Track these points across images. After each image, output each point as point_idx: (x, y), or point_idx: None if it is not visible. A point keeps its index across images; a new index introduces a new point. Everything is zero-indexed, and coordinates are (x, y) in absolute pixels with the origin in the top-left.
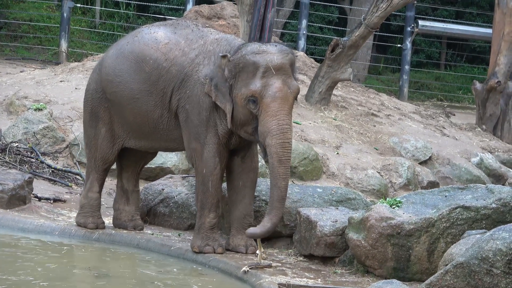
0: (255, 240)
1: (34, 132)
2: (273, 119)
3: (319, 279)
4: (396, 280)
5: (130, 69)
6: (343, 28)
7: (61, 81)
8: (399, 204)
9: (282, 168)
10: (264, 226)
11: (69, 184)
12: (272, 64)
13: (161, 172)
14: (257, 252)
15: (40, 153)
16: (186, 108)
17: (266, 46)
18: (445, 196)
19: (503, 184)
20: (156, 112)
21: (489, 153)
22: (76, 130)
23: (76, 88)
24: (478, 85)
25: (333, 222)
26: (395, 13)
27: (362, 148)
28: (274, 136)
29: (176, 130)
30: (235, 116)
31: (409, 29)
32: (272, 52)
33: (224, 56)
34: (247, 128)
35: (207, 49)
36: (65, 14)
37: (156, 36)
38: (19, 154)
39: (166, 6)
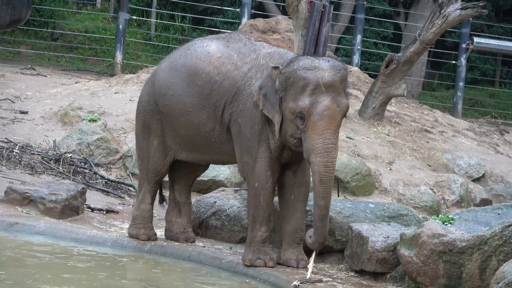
0: (310, 253)
1: (88, 143)
2: (319, 138)
3: None
4: None
5: (182, 83)
6: (398, 44)
7: (115, 93)
8: (451, 221)
9: (322, 187)
10: (312, 246)
11: (122, 195)
12: (322, 81)
13: (214, 185)
14: (308, 266)
15: (93, 164)
16: (239, 121)
17: (318, 61)
18: (498, 214)
19: None
20: (208, 125)
21: None
22: (130, 142)
23: (130, 100)
24: None
25: (384, 238)
26: (450, 29)
27: (415, 164)
28: (319, 154)
29: (228, 143)
30: (283, 128)
31: (464, 45)
32: (323, 69)
33: (275, 68)
34: (295, 141)
35: (260, 63)
36: (120, 26)
37: (208, 50)
38: (73, 165)
39: (221, 19)
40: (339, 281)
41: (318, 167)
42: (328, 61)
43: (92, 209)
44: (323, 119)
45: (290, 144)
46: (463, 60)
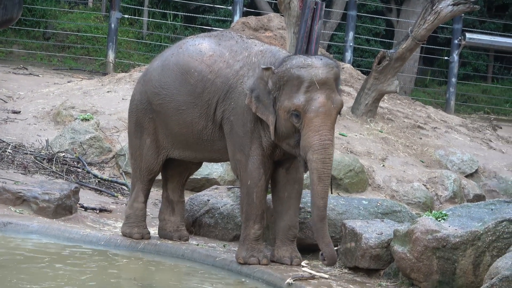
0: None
1: (80, 142)
2: (315, 135)
3: None
4: None
5: (175, 82)
6: (390, 40)
7: (108, 92)
8: (444, 217)
9: (321, 185)
10: (327, 253)
11: (115, 194)
12: (316, 79)
13: (207, 183)
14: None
15: (86, 163)
16: (231, 119)
17: (311, 59)
18: (491, 210)
19: None
20: (201, 124)
21: None
22: (123, 141)
23: (123, 99)
24: None
25: (378, 234)
26: (443, 25)
27: (408, 160)
28: (316, 151)
29: (220, 141)
30: (277, 129)
31: (456, 41)
32: (317, 66)
33: (267, 68)
34: (290, 141)
35: (252, 61)
36: (112, 25)
37: (200, 48)
38: (66, 164)
39: (213, 17)
40: (333, 278)
41: (316, 164)
42: (321, 59)
43: (86, 208)
44: (318, 116)
45: (285, 144)
46: (455, 56)
